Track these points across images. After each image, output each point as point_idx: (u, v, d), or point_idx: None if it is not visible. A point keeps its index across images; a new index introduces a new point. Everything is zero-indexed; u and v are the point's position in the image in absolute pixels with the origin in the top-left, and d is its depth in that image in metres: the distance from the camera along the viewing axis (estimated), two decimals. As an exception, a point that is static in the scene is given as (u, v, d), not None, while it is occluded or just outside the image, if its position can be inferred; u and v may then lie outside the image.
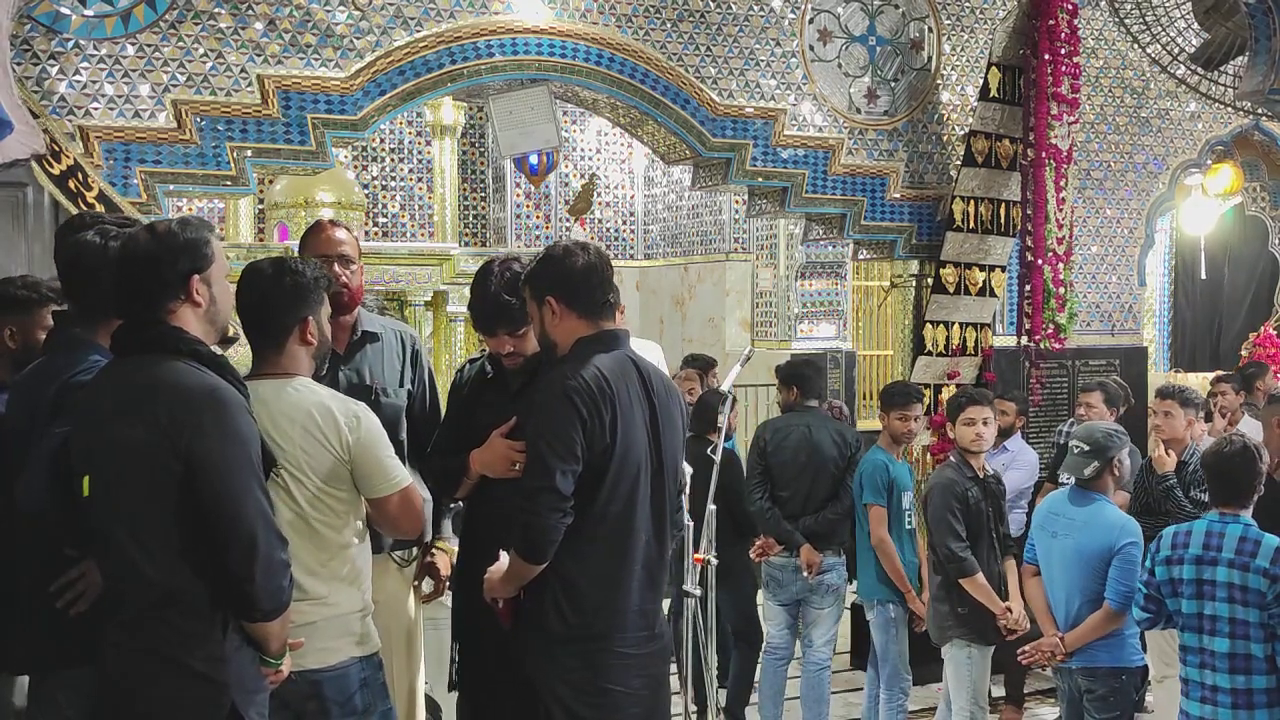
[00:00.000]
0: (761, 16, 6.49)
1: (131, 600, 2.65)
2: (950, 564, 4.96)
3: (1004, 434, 6.12)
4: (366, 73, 5.59)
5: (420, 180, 11.97)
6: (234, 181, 5.43)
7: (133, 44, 5.21)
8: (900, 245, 7.00)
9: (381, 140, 11.83)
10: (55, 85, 5.10)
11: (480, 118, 11.47)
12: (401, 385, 3.76)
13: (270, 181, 9.75)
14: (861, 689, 5.80)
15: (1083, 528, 4.50)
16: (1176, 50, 7.76)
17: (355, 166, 11.70)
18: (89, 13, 5.13)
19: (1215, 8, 7.64)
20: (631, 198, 12.82)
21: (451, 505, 3.87)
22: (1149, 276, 9.08)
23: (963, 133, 6.95)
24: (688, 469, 5.23)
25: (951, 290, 6.84)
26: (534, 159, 10.86)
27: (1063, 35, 6.74)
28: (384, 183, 11.94)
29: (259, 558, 2.61)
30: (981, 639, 5.00)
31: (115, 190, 5.11)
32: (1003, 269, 6.99)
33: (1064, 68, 6.75)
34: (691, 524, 4.72)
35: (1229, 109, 7.97)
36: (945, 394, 6.62)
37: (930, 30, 6.97)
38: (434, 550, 3.82)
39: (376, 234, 11.65)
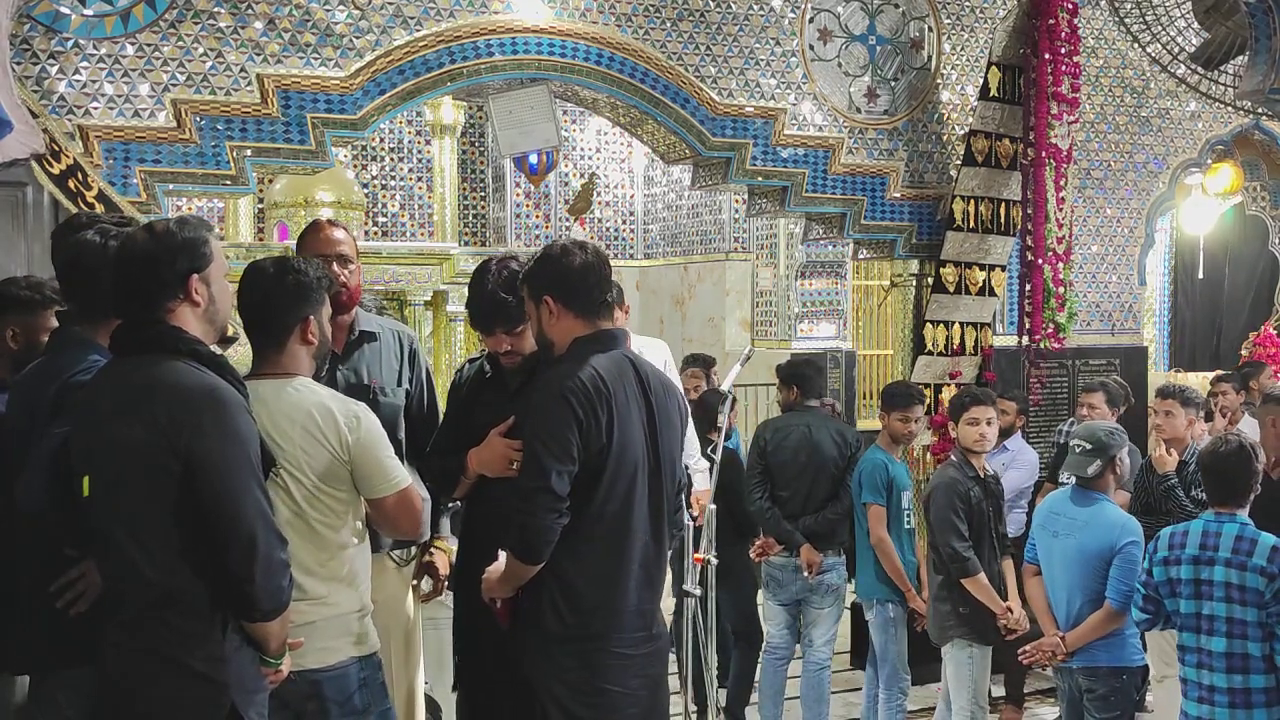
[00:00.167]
0: (761, 16, 6.49)
1: (131, 600, 2.65)
2: (953, 563, 4.96)
3: (1004, 434, 6.12)
4: (366, 72, 5.58)
5: (420, 180, 11.97)
6: (234, 181, 5.43)
7: (132, 43, 5.21)
8: (900, 245, 7.00)
9: (381, 140, 11.83)
10: (55, 85, 5.09)
11: (480, 117, 11.47)
12: (399, 385, 3.76)
13: (270, 181, 9.74)
14: (862, 689, 5.80)
15: (1084, 527, 4.50)
16: (1176, 50, 7.76)
17: (355, 166, 11.69)
18: (89, 12, 5.13)
19: (1215, 7, 7.64)
20: (631, 197, 12.82)
21: (450, 505, 3.87)
22: (1149, 276, 9.08)
23: (963, 132, 6.95)
24: (702, 465, 5.27)
25: (951, 290, 6.83)
26: (534, 158, 10.86)
27: (1063, 34, 6.74)
28: (384, 182, 11.94)
29: (259, 558, 2.61)
30: (982, 639, 5.01)
31: (115, 190, 5.11)
32: (1003, 268, 6.99)
33: (1064, 67, 6.74)
34: (692, 524, 4.73)
35: (1229, 108, 7.97)
36: (946, 394, 6.62)
37: (930, 29, 6.97)
38: (433, 549, 3.83)
39: (376, 233, 11.65)
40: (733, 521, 5.78)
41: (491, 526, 3.34)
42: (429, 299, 9.66)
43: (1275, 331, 8.67)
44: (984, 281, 6.91)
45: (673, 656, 4.41)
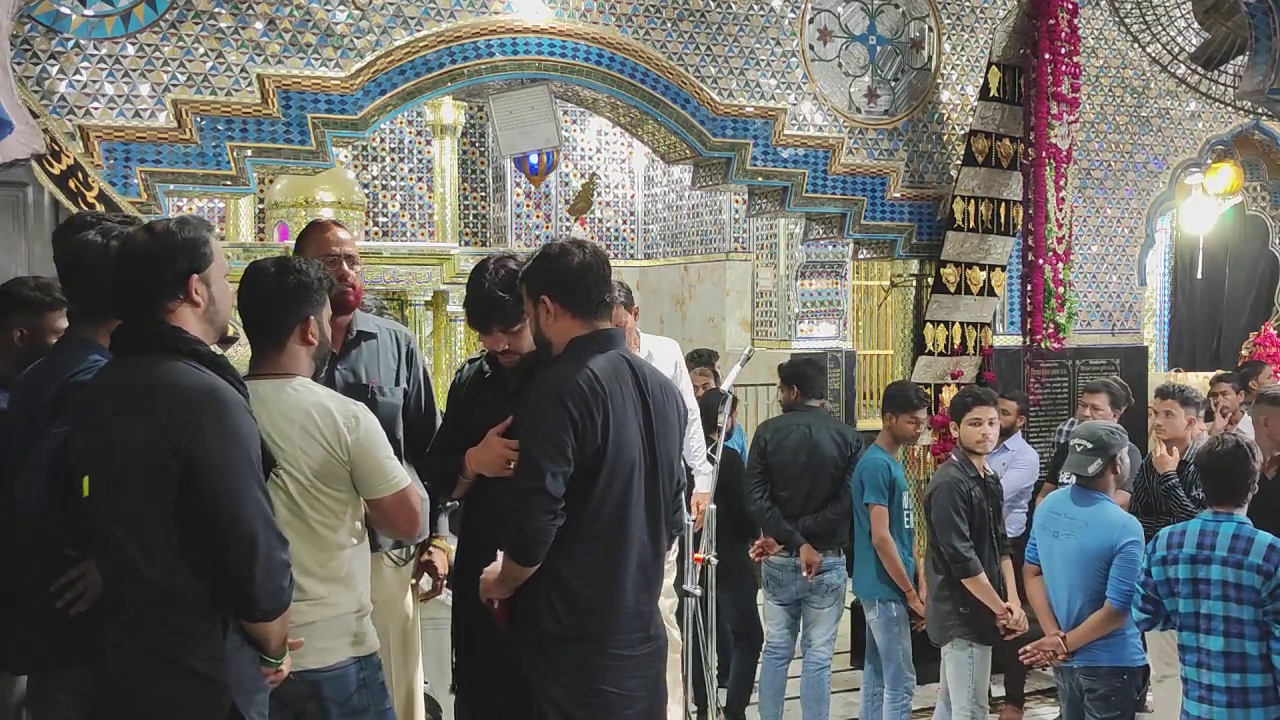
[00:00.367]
0: (761, 16, 6.49)
1: (131, 600, 2.65)
2: (955, 563, 4.95)
3: (1005, 433, 6.12)
4: (366, 72, 5.59)
5: (420, 180, 11.97)
6: (234, 181, 5.43)
7: (133, 43, 5.21)
8: (900, 245, 7.00)
9: (381, 140, 11.83)
10: (55, 85, 5.10)
11: (480, 117, 11.47)
12: (397, 384, 3.76)
13: (270, 181, 9.75)
14: (860, 689, 5.80)
15: (1084, 527, 4.51)
16: (1176, 50, 7.76)
17: (355, 166, 11.70)
18: (89, 12, 5.13)
19: (1215, 7, 7.64)
20: (631, 197, 12.82)
21: (448, 504, 3.87)
22: (1149, 276, 9.08)
23: (963, 132, 6.95)
24: (706, 468, 5.26)
25: (952, 290, 6.83)
26: (534, 158, 10.86)
27: (1063, 35, 6.73)
28: (384, 182, 11.94)
29: (259, 558, 2.61)
30: (982, 639, 5.01)
31: (115, 190, 5.11)
32: (1003, 268, 6.99)
33: (1064, 67, 6.74)
34: (691, 525, 4.73)
35: (1229, 108, 7.97)
36: (946, 394, 6.62)
37: (930, 29, 6.97)
38: (431, 548, 3.83)
39: (376, 234, 11.65)
40: (733, 521, 5.78)
41: (490, 526, 3.34)
42: (429, 299, 9.66)
43: (1275, 331, 8.66)
44: (984, 281, 6.91)
45: (675, 657, 4.42)
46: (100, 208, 4.87)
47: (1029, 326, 6.93)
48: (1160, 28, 7.70)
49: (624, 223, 12.82)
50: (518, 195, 12.12)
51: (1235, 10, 7.40)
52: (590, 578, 3.15)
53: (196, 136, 5.31)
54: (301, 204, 9.85)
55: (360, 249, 3.93)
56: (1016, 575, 5.18)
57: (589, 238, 11.40)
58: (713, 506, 4.74)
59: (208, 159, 5.34)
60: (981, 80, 6.79)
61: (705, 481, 5.28)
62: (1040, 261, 6.82)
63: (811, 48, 6.63)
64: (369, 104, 5.61)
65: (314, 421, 2.96)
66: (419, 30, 5.68)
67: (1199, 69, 7.82)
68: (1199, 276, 10.46)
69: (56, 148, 4.92)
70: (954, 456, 5.22)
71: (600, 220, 12.56)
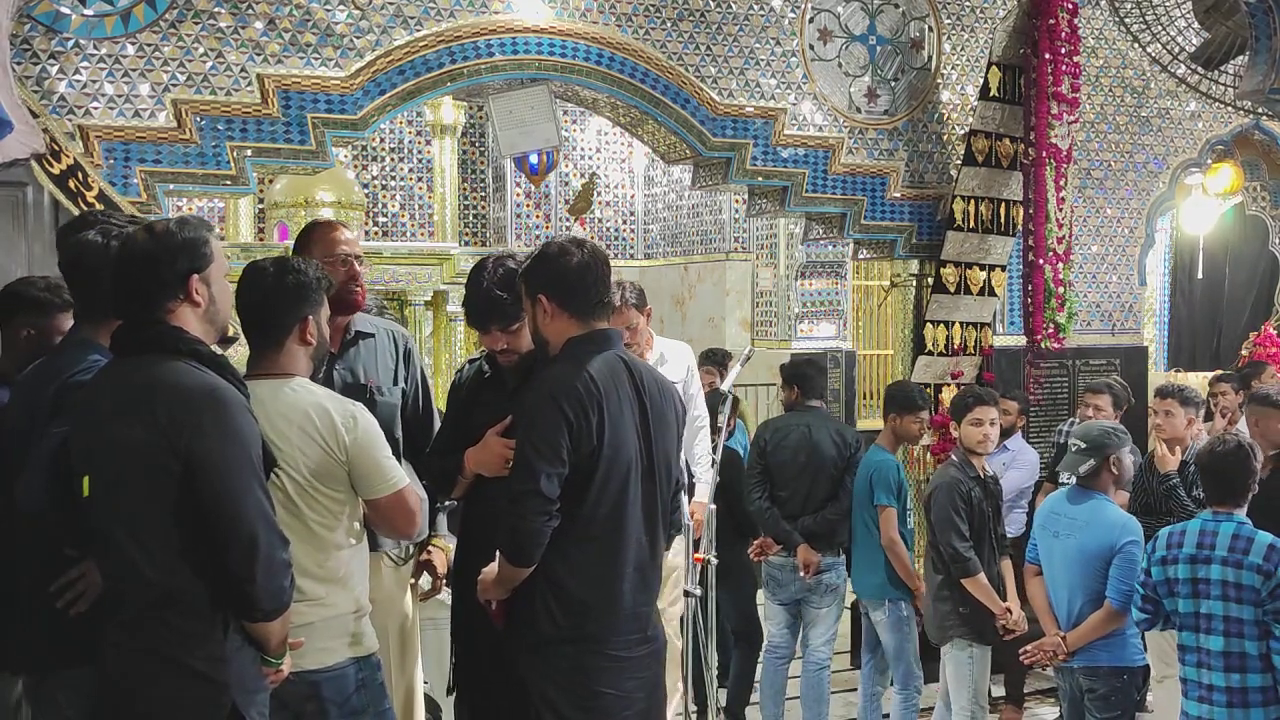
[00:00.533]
0: (761, 16, 6.49)
1: (131, 600, 2.64)
2: (954, 563, 4.95)
3: (1005, 433, 6.12)
4: (366, 72, 5.59)
5: (420, 180, 11.97)
6: (234, 181, 5.43)
7: (133, 43, 5.21)
8: (900, 245, 7.00)
9: (381, 140, 11.83)
10: (55, 85, 5.10)
11: (480, 117, 11.47)
12: (396, 384, 3.77)
13: (270, 181, 9.75)
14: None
15: (1084, 527, 4.51)
16: (1177, 49, 7.76)
17: (355, 166, 11.69)
18: (89, 12, 5.13)
19: (1215, 7, 7.64)
20: (631, 197, 12.82)
21: (446, 503, 3.87)
22: (1149, 276, 9.08)
23: (963, 132, 6.95)
24: (709, 477, 5.24)
25: (952, 290, 6.83)
26: (534, 158, 10.86)
27: (1063, 34, 6.73)
28: (384, 182, 11.94)
29: (259, 558, 2.60)
30: (981, 639, 5.01)
31: (115, 190, 5.11)
32: (1003, 268, 6.99)
33: (1064, 67, 6.74)
34: (692, 523, 4.73)
35: (1229, 108, 7.97)
36: (945, 394, 6.62)
37: (930, 29, 6.97)
38: (430, 547, 3.83)
39: (376, 234, 11.65)
40: (733, 521, 5.78)
41: (489, 526, 3.34)
42: (429, 299, 9.67)
43: (1275, 331, 8.66)
44: (984, 281, 6.91)
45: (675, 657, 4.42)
46: (100, 208, 4.87)
47: (1029, 326, 6.93)
48: (1160, 28, 7.70)
49: (624, 223, 12.82)
50: (518, 195, 12.13)
51: (1235, 10, 7.40)
52: (587, 579, 3.14)
53: (196, 136, 5.30)
54: (301, 204, 9.85)
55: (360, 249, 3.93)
56: (1016, 575, 5.18)
57: (589, 237, 11.39)
58: (712, 506, 4.73)
59: (207, 159, 5.34)
60: (981, 80, 6.79)
61: (704, 491, 5.26)
62: (1040, 261, 6.82)
63: (811, 48, 6.63)
64: (369, 104, 5.61)
65: (312, 421, 2.96)
66: (419, 30, 5.68)
67: (1199, 69, 7.81)
68: (1199, 276, 10.46)
69: (56, 148, 4.92)
70: (954, 456, 5.22)
71: (600, 220, 12.56)
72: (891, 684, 5.50)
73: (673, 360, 5.17)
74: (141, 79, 5.23)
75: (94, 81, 5.15)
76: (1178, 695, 4.07)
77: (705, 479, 5.26)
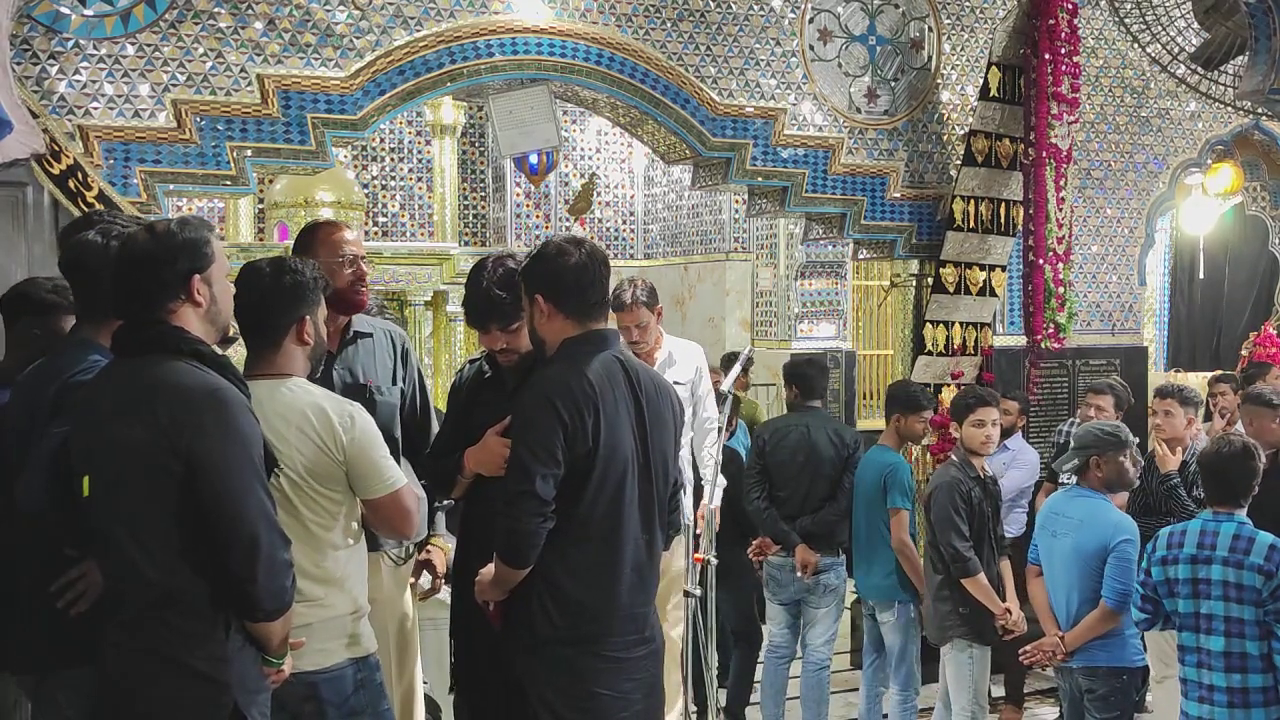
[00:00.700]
0: (761, 16, 6.49)
1: (131, 600, 2.64)
2: (955, 563, 4.94)
3: (1005, 433, 6.12)
4: (366, 72, 5.58)
5: (420, 180, 11.98)
6: (234, 181, 5.43)
7: (132, 44, 5.21)
8: (900, 245, 7.00)
9: (381, 140, 11.84)
10: (55, 85, 5.09)
11: (480, 117, 11.47)
12: (395, 384, 3.77)
13: (270, 181, 9.75)
14: (859, 689, 5.80)
15: (1079, 526, 4.52)
16: (1176, 50, 7.76)
17: (355, 166, 11.70)
18: (89, 12, 5.13)
19: (1215, 7, 7.64)
20: (631, 197, 12.82)
21: (444, 502, 3.87)
22: (1149, 276, 9.08)
23: (963, 132, 6.95)
24: (720, 481, 5.23)
25: (952, 290, 6.83)
26: (534, 159, 10.87)
27: (1063, 35, 6.73)
28: (384, 182, 11.95)
29: (261, 558, 2.60)
30: (981, 639, 5.00)
31: (115, 190, 5.11)
32: (1003, 268, 6.98)
33: (1064, 67, 6.74)
34: (691, 523, 4.73)
35: (1229, 108, 7.97)
36: (945, 394, 6.62)
37: (930, 30, 6.97)
38: (429, 546, 3.83)
39: (376, 234, 11.65)
40: (733, 521, 5.77)
41: (489, 526, 3.33)
42: (429, 299, 9.68)
43: (1275, 331, 8.66)
44: (984, 281, 6.91)
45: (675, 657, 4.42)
46: (100, 208, 4.87)
47: (1029, 326, 6.93)
48: (1160, 28, 7.70)
49: (624, 223, 12.83)
50: (517, 195, 12.13)
51: (1235, 10, 7.40)
52: (584, 580, 3.14)
53: (196, 136, 5.30)
54: (301, 204, 9.85)
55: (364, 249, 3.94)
56: (1015, 576, 5.18)
57: (589, 237, 11.39)
58: (713, 507, 4.74)
59: (207, 159, 5.34)
60: (981, 80, 6.79)
61: (715, 495, 5.25)
62: (1040, 261, 6.82)
63: (811, 48, 6.63)
64: (369, 104, 5.61)
65: (309, 421, 2.96)
66: (419, 30, 5.68)
67: (1199, 69, 7.81)
68: (1200, 276, 10.46)
69: (56, 148, 4.92)
70: (954, 457, 5.21)
71: (600, 220, 12.56)
72: (890, 684, 5.49)
73: (681, 361, 5.14)
74: (141, 79, 5.23)
75: (94, 82, 5.15)
76: (1177, 695, 4.06)
77: (720, 483, 5.24)
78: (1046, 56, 6.70)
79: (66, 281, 3.34)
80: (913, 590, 5.31)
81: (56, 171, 4.91)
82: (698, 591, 4.45)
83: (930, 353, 6.84)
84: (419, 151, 11.96)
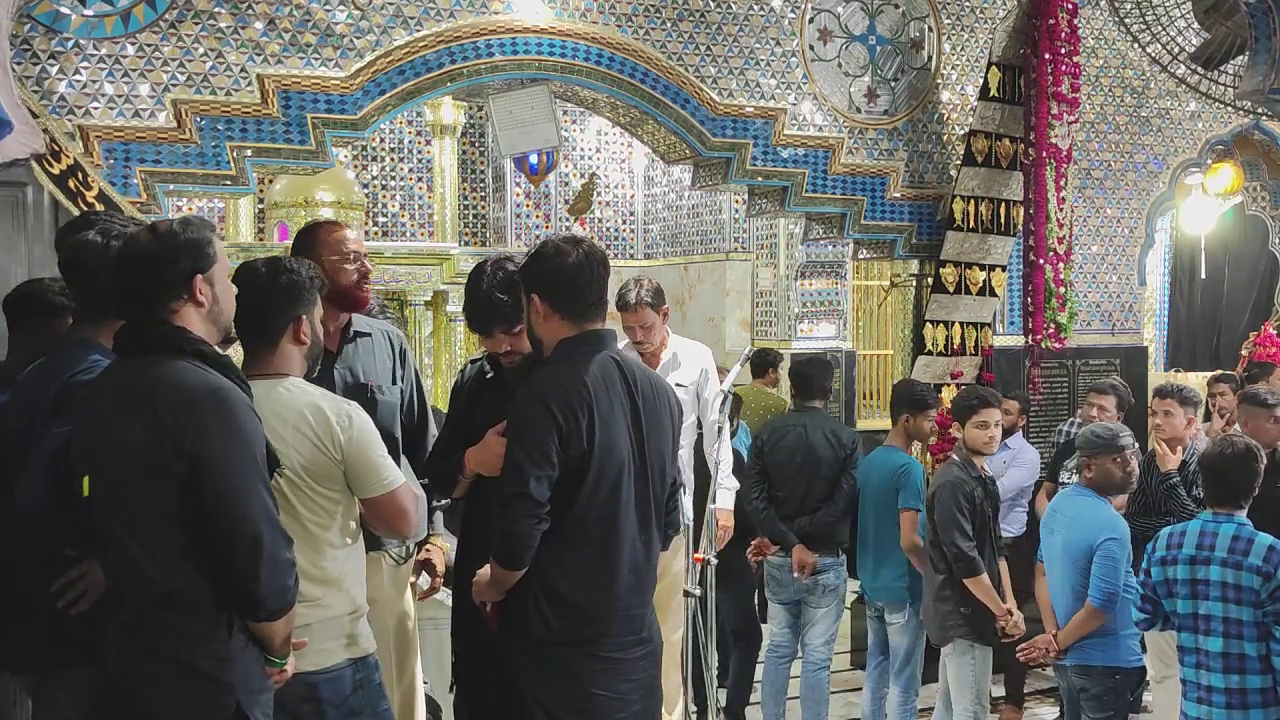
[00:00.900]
0: (761, 16, 6.49)
1: (132, 600, 2.64)
2: (958, 563, 4.92)
3: (1006, 433, 6.11)
4: (366, 72, 5.58)
5: (420, 180, 11.97)
6: (234, 181, 5.43)
7: (133, 43, 5.21)
8: (900, 245, 7.00)
9: (381, 140, 11.83)
10: (55, 85, 5.10)
11: (480, 117, 11.47)
12: (394, 383, 3.77)
13: (270, 181, 9.75)
14: (860, 689, 5.80)
15: (1070, 525, 4.57)
16: (1176, 50, 7.76)
17: (355, 166, 11.70)
18: (89, 12, 5.13)
19: (1215, 7, 7.64)
20: (631, 197, 12.82)
21: (442, 502, 3.88)
22: (1149, 276, 9.08)
23: (963, 132, 6.95)
24: (733, 483, 5.21)
25: (952, 290, 6.83)
26: (534, 158, 10.87)
27: (1063, 35, 6.73)
28: (384, 182, 11.94)
29: (264, 556, 2.60)
30: (983, 639, 4.99)
31: (115, 190, 5.11)
32: (1003, 268, 6.98)
33: (1064, 67, 6.74)
34: (691, 524, 4.73)
35: (1229, 108, 7.97)
36: (945, 394, 6.62)
37: (930, 30, 6.97)
38: (429, 546, 3.83)
39: (376, 234, 11.65)
40: (734, 521, 5.77)
41: (489, 526, 3.33)
42: (429, 299, 9.68)
43: (1275, 331, 8.66)
44: (984, 281, 6.91)
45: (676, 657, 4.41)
46: (100, 208, 4.87)
47: (1030, 326, 6.93)
48: (1160, 28, 7.70)
49: (624, 223, 12.83)
50: (517, 195, 12.13)
51: (1235, 10, 7.40)
52: (580, 582, 3.13)
53: (196, 136, 5.30)
54: (301, 204, 9.86)
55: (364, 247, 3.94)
56: (1013, 576, 5.18)
57: (589, 237, 11.40)
58: (713, 506, 4.74)
59: (207, 159, 5.34)
60: (981, 80, 6.79)
61: (728, 498, 5.24)
62: (1041, 261, 6.82)
63: (811, 48, 6.63)
64: (369, 104, 5.61)
65: (307, 421, 2.96)
66: (419, 30, 5.68)
67: (1199, 69, 7.82)
68: (1202, 276, 10.45)
69: (56, 148, 4.92)
70: (955, 456, 5.18)
71: (600, 220, 12.56)
72: (891, 685, 5.48)
73: (686, 362, 5.10)
74: (141, 79, 5.23)
75: (94, 81, 5.15)
76: (1177, 695, 4.07)
77: (728, 485, 5.23)
78: (1046, 56, 6.70)
79: (65, 281, 3.34)
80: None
81: (56, 171, 4.91)
82: (698, 591, 4.45)
83: (930, 353, 6.84)
84: (419, 151, 11.95)
